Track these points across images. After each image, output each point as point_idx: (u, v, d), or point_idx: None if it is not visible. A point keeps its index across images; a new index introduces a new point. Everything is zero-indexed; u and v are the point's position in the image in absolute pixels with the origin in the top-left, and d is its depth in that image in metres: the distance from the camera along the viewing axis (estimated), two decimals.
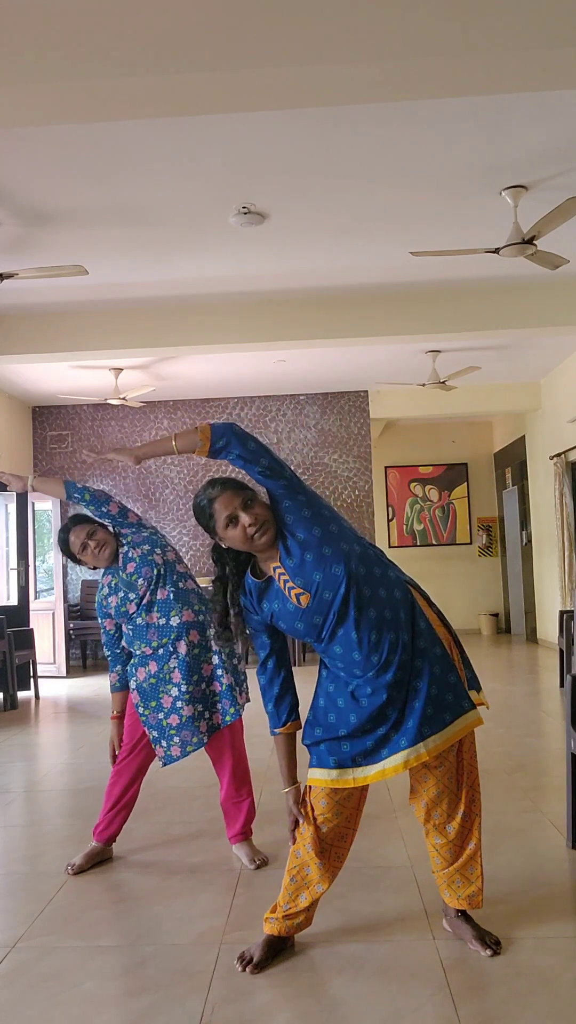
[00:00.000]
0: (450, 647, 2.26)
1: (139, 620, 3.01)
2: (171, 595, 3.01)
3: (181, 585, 3.05)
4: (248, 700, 3.10)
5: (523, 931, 2.41)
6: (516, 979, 2.17)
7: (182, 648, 2.98)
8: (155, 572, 3.01)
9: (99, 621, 3.18)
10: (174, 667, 2.97)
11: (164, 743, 3.00)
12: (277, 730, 2.35)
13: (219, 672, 3.02)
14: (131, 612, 3.02)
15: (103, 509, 3.05)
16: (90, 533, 3.04)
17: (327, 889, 2.35)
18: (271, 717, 2.35)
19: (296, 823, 2.32)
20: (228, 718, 3.01)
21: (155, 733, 3.01)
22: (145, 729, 3.04)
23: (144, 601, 3.00)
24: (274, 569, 2.19)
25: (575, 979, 2.17)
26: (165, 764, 3.03)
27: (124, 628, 3.09)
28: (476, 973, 2.21)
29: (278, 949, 2.34)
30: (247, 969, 2.26)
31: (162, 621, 2.99)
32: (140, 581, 3.00)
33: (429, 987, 2.14)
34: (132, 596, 3.01)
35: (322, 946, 2.39)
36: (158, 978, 2.25)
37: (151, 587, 3.00)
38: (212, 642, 3.00)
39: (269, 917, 2.36)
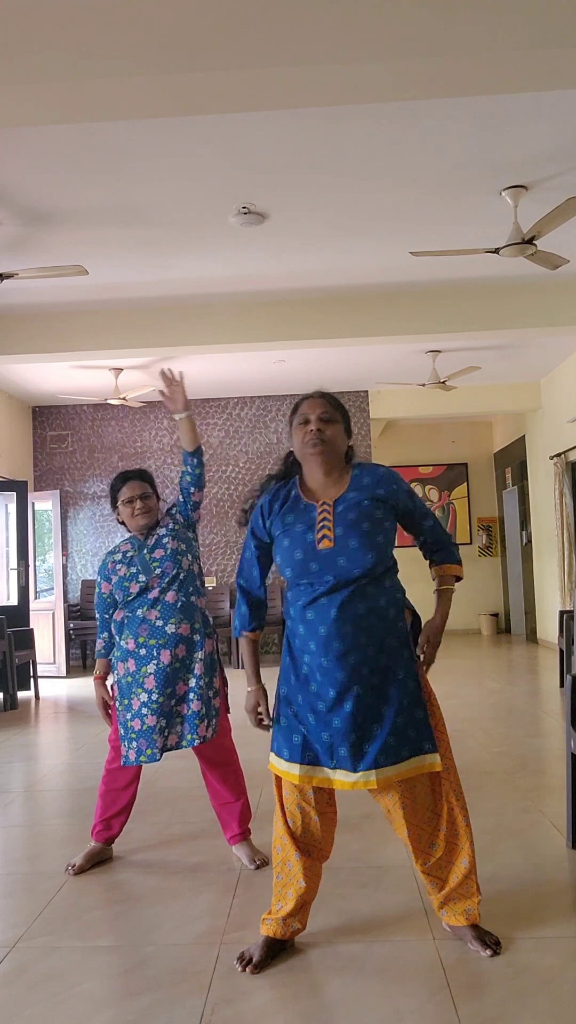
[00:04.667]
0: (428, 690, 2.29)
1: (139, 611, 2.97)
2: (180, 603, 2.97)
3: (193, 599, 3.01)
4: (213, 735, 2.97)
5: (523, 931, 2.41)
6: (516, 979, 2.17)
7: (165, 658, 2.92)
8: (175, 572, 2.98)
9: (97, 580, 3.14)
10: (150, 673, 2.92)
11: (126, 743, 2.97)
12: (245, 633, 2.43)
13: (191, 696, 2.94)
14: (131, 591, 2.97)
15: (193, 489, 3.09)
16: (144, 494, 3.06)
17: (313, 885, 2.34)
18: (242, 619, 2.44)
19: (259, 722, 2.39)
20: (184, 743, 2.92)
21: (122, 731, 2.98)
22: (120, 728, 3.00)
23: (150, 592, 2.97)
24: (323, 504, 2.25)
25: (575, 979, 2.17)
26: (123, 763, 2.98)
27: (119, 609, 3.05)
28: (476, 973, 2.21)
29: (277, 949, 2.34)
30: (247, 969, 2.26)
31: (159, 623, 2.95)
32: (158, 570, 2.97)
33: (429, 987, 2.14)
34: (142, 579, 2.97)
35: (322, 946, 2.39)
36: (158, 978, 2.25)
37: (164, 585, 2.97)
38: (195, 665, 2.94)
39: (266, 918, 2.36)
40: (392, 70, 3.06)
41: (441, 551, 2.38)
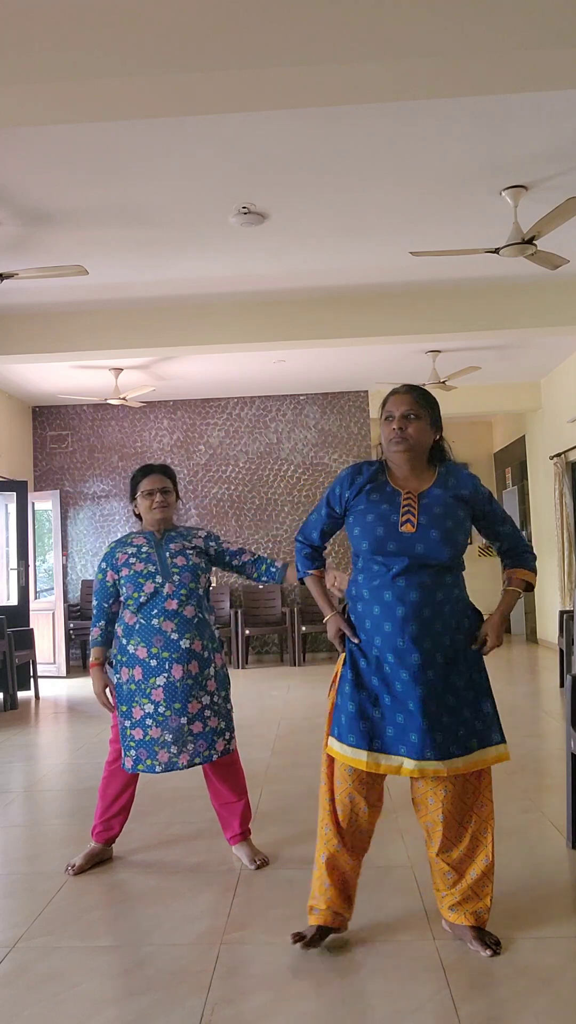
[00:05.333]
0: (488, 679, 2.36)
1: (154, 620, 2.89)
2: (196, 619, 2.92)
3: (206, 615, 2.99)
4: (232, 749, 2.97)
5: (523, 931, 2.41)
6: (516, 979, 2.17)
7: (177, 672, 2.87)
8: (192, 587, 2.95)
9: (100, 567, 3.07)
10: (159, 685, 2.86)
11: (123, 750, 2.95)
12: (310, 572, 2.55)
13: (208, 713, 2.89)
14: (144, 590, 2.91)
15: (240, 575, 3.17)
16: (164, 489, 3.05)
17: (354, 874, 2.39)
18: (303, 562, 2.56)
19: (342, 642, 2.38)
20: (198, 760, 2.89)
21: (121, 737, 2.96)
22: (120, 729, 2.98)
23: (167, 602, 2.89)
24: (408, 492, 2.33)
25: (575, 979, 2.17)
26: (123, 767, 2.97)
27: (127, 610, 2.96)
28: (476, 973, 2.21)
29: (329, 933, 2.39)
30: (298, 944, 2.33)
31: (175, 636, 2.88)
32: (175, 578, 2.93)
33: (429, 987, 2.14)
34: (159, 580, 2.92)
35: (322, 946, 2.39)
36: (158, 978, 2.25)
37: (182, 597, 2.91)
38: (208, 681, 2.91)
39: (312, 907, 2.40)
40: (392, 70, 3.06)
41: (517, 557, 2.45)
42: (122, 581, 2.99)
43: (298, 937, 2.37)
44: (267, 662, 9.39)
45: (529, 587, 2.46)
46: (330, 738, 2.35)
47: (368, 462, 2.47)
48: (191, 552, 3.01)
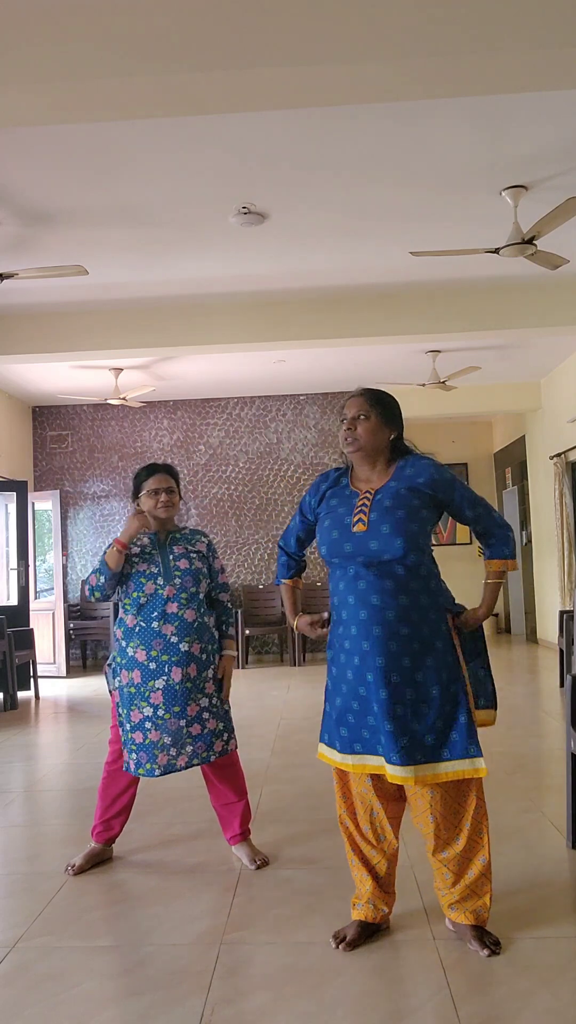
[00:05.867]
0: (470, 690, 2.33)
1: (154, 624, 2.89)
2: (196, 623, 2.93)
3: (206, 619, 2.99)
4: (233, 748, 2.99)
5: (523, 931, 2.41)
6: (516, 979, 2.17)
7: (176, 675, 2.87)
8: (193, 591, 2.95)
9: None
10: (159, 688, 2.86)
11: (124, 751, 2.95)
12: (284, 580, 2.68)
13: (205, 715, 2.90)
14: (144, 590, 2.92)
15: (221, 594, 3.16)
16: (169, 488, 3.06)
17: (384, 869, 2.41)
18: (281, 568, 2.69)
19: (317, 626, 2.47)
20: (196, 761, 2.89)
21: (123, 738, 2.96)
22: (120, 732, 2.97)
23: (167, 605, 2.90)
24: (366, 492, 2.37)
25: (575, 979, 2.17)
26: (124, 769, 2.97)
27: (128, 613, 2.95)
28: (476, 973, 2.21)
29: (371, 931, 2.41)
30: (340, 946, 2.34)
31: (174, 639, 2.88)
32: (177, 581, 2.94)
33: (429, 987, 2.14)
34: (160, 581, 2.92)
35: (322, 946, 2.39)
36: (158, 978, 2.25)
37: (183, 600, 2.92)
38: (206, 684, 2.92)
39: (355, 903, 2.43)
40: (392, 70, 3.05)
41: (489, 545, 2.43)
42: (125, 578, 3.00)
43: (339, 938, 2.37)
44: (267, 662, 9.39)
45: (504, 575, 2.44)
46: (320, 743, 2.43)
47: (336, 468, 2.54)
48: (194, 556, 3.01)
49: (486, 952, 2.28)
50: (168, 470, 3.11)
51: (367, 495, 2.35)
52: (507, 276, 6.12)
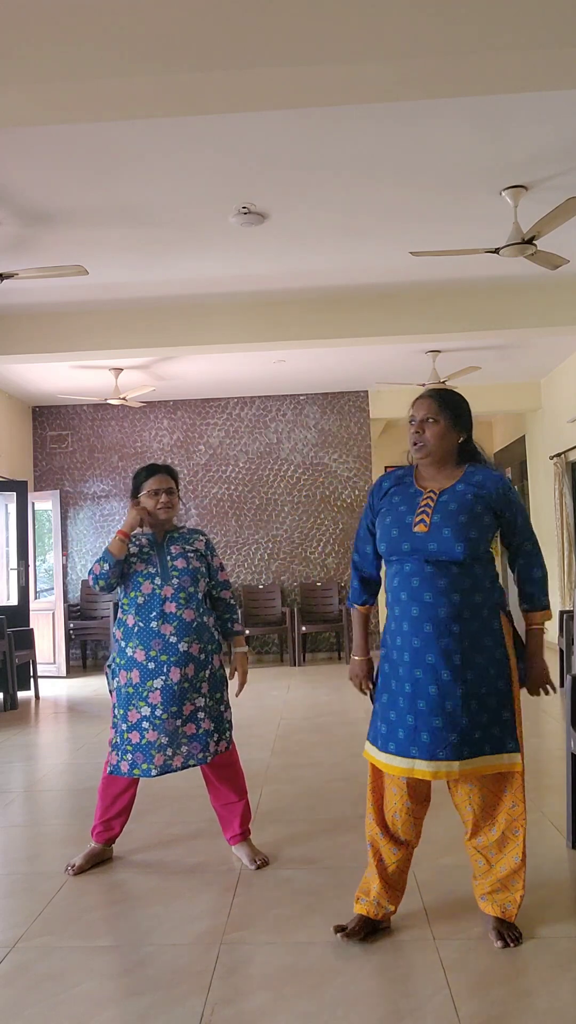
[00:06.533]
0: (516, 688, 2.35)
1: (153, 624, 2.90)
2: (195, 623, 2.93)
3: (205, 619, 2.99)
4: (227, 748, 3.00)
5: (523, 931, 2.41)
6: (516, 979, 2.17)
7: (174, 675, 2.87)
8: (191, 590, 2.95)
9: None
10: (157, 688, 2.87)
11: (118, 753, 2.94)
12: (356, 606, 2.59)
13: (200, 715, 2.91)
14: (142, 589, 2.93)
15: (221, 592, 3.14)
16: (169, 489, 3.05)
17: (398, 869, 2.42)
18: (353, 593, 2.60)
19: (365, 688, 2.50)
20: (192, 762, 2.90)
21: (117, 740, 2.95)
22: (113, 733, 2.97)
23: (165, 605, 2.90)
24: (430, 492, 2.37)
25: (575, 979, 2.17)
26: (112, 773, 2.96)
27: (127, 613, 2.96)
28: (476, 973, 2.21)
29: (372, 928, 2.43)
30: (340, 935, 2.37)
31: (173, 639, 2.89)
32: (175, 581, 2.94)
33: (429, 987, 2.14)
34: (158, 581, 2.93)
35: (322, 946, 2.39)
36: (158, 978, 2.25)
37: (181, 601, 2.92)
38: (202, 684, 2.93)
39: (359, 897, 2.45)
40: (392, 70, 3.05)
41: (528, 593, 2.44)
42: (124, 578, 3.01)
43: (339, 928, 2.41)
44: (267, 662, 9.39)
45: (545, 621, 2.45)
46: (367, 740, 2.45)
47: (401, 467, 2.52)
48: (192, 555, 3.01)
49: (499, 943, 2.31)
50: (168, 471, 3.11)
51: (431, 495, 2.36)
52: (507, 276, 6.12)
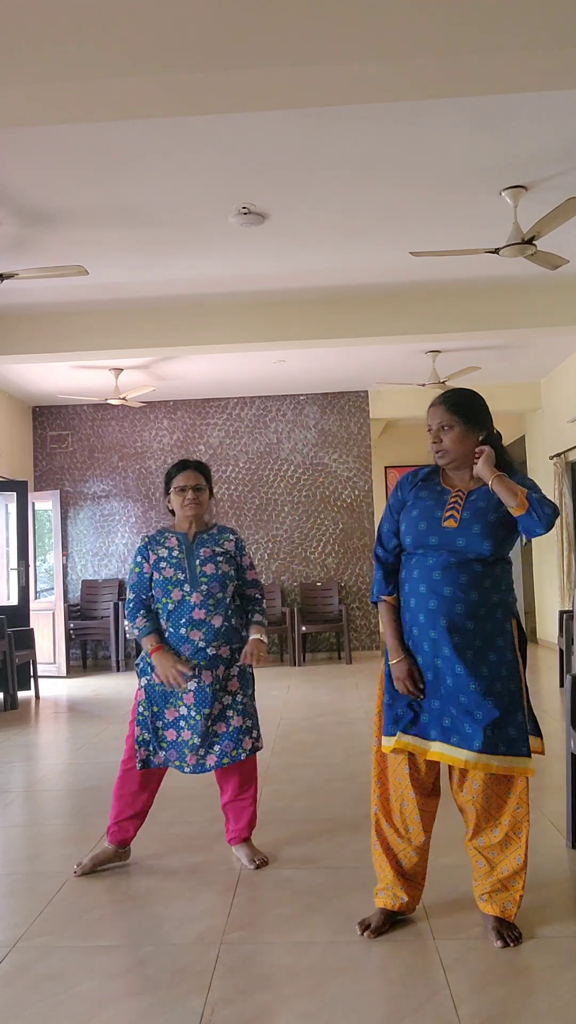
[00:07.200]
0: (524, 690, 2.37)
1: (182, 630, 2.90)
2: (224, 627, 2.93)
3: (234, 621, 2.99)
4: (261, 747, 3.01)
5: (523, 931, 2.41)
6: (516, 979, 2.17)
7: (206, 678, 2.90)
8: (220, 596, 2.94)
9: (134, 560, 3.02)
10: (190, 690, 2.89)
11: (152, 747, 2.94)
12: (383, 597, 2.51)
13: (229, 713, 2.93)
14: (172, 596, 2.91)
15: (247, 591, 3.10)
16: (197, 486, 3.02)
17: (408, 860, 2.44)
18: (377, 585, 2.53)
19: (413, 688, 2.38)
20: (226, 760, 2.91)
21: (147, 735, 2.95)
22: (139, 731, 2.96)
23: (194, 612, 2.89)
24: (458, 490, 2.39)
25: (575, 979, 2.17)
26: (143, 767, 2.95)
27: (161, 616, 2.95)
28: (476, 973, 2.21)
29: (393, 919, 2.46)
30: (365, 933, 2.39)
31: (202, 644, 2.89)
32: (203, 587, 2.93)
33: (429, 987, 2.14)
34: (187, 588, 2.91)
35: (322, 946, 2.39)
36: (158, 978, 2.25)
37: (210, 607, 2.91)
38: (230, 682, 2.95)
39: (377, 891, 2.47)
40: (392, 70, 3.05)
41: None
42: (153, 584, 3.00)
43: (364, 926, 2.43)
44: (267, 662, 9.38)
45: (512, 490, 2.28)
46: (383, 737, 2.43)
47: (425, 466, 2.54)
48: (221, 559, 2.99)
49: (499, 943, 2.31)
50: (199, 467, 3.08)
51: (460, 493, 2.39)
52: (507, 276, 6.12)
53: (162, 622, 2.96)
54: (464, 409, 2.43)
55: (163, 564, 2.98)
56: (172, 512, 3.10)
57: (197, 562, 2.97)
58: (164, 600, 2.95)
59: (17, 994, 2.20)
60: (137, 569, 3.03)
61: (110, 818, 3.07)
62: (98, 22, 2.97)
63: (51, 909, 2.73)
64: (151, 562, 3.00)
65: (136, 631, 2.98)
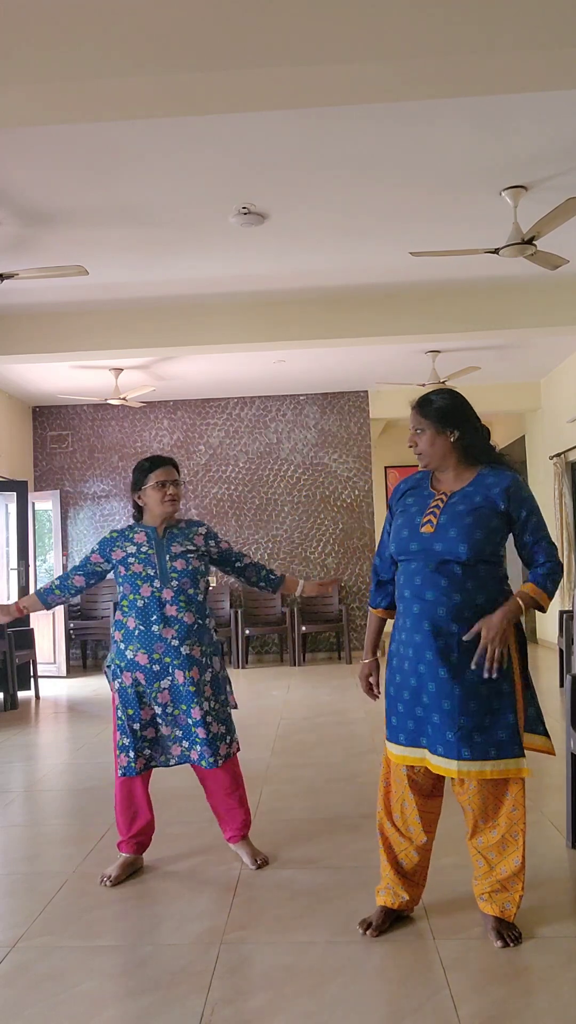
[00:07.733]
0: (520, 690, 2.36)
1: (154, 627, 2.87)
2: (196, 625, 2.92)
3: (205, 621, 2.98)
4: (237, 749, 3.01)
5: (523, 931, 2.41)
6: (516, 979, 2.17)
7: (179, 677, 2.87)
8: (191, 592, 2.93)
9: (93, 548, 3.03)
10: (165, 688, 2.87)
11: (129, 753, 2.91)
12: (372, 609, 2.63)
13: (208, 719, 2.89)
14: (140, 592, 2.88)
15: (244, 584, 3.18)
16: (176, 482, 3.01)
17: (410, 861, 2.45)
18: (373, 594, 2.63)
19: (367, 689, 2.63)
20: (204, 762, 2.88)
21: (126, 740, 2.91)
22: (119, 736, 2.93)
23: (166, 608, 2.87)
24: (441, 494, 2.42)
25: (575, 979, 2.17)
26: (125, 775, 2.91)
27: (127, 615, 2.91)
28: (476, 973, 2.21)
29: (394, 918, 2.48)
30: (367, 933, 2.41)
31: (175, 643, 2.87)
32: (174, 583, 2.90)
33: (429, 987, 2.14)
34: (157, 584, 2.88)
35: (322, 946, 2.39)
36: (158, 978, 2.25)
37: (181, 603, 2.90)
38: (205, 687, 2.92)
39: (379, 889, 2.49)
40: (392, 70, 3.05)
41: (534, 570, 2.42)
42: (119, 580, 2.97)
43: (365, 925, 2.45)
44: (267, 662, 9.39)
45: (535, 604, 2.36)
46: (386, 742, 2.48)
47: (421, 471, 2.55)
48: (192, 555, 2.96)
49: (499, 943, 2.31)
50: (173, 463, 3.07)
51: (442, 497, 2.41)
52: (507, 276, 6.12)
53: (131, 621, 2.91)
54: (431, 412, 2.43)
55: (131, 560, 2.93)
56: (138, 508, 3.06)
57: (167, 557, 2.94)
58: (132, 596, 2.91)
59: (17, 994, 2.20)
60: (88, 555, 3.03)
61: (121, 832, 3.01)
62: (98, 22, 2.97)
63: (51, 909, 2.73)
64: (115, 558, 2.96)
65: (39, 589, 3.09)
